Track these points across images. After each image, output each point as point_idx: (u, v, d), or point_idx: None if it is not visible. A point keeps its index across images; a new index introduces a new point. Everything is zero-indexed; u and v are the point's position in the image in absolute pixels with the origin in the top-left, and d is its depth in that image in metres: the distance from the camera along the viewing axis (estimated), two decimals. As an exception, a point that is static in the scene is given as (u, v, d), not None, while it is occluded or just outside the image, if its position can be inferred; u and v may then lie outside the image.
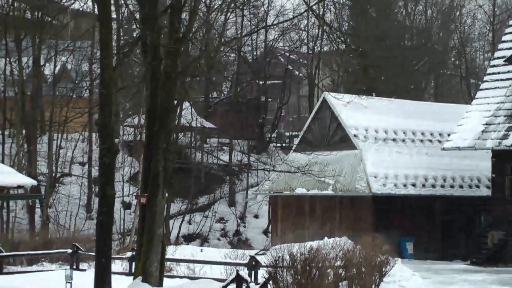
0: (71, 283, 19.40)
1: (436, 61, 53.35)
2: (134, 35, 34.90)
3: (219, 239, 41.56)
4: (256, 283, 16.72)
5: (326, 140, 33.95)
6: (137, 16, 21.07)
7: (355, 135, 32.59)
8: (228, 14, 41.15)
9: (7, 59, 38.09)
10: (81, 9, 36.39)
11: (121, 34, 39.73)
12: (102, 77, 18.51)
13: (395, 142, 33.23)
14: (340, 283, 16.81)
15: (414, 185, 31.41)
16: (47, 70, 40.71)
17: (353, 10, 48.22)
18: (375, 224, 29.70)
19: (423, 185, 31.64)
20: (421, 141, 34.09)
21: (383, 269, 17.84)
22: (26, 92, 38.14)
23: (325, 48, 48.98)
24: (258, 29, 44.00)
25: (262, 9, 46.86)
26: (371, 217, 30.96)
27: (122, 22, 38.27)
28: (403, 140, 33.62)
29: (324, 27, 30.98)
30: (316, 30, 47.57)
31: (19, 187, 13.61)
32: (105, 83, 18.12)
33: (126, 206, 39.34)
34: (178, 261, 23.10)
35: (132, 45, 23.82)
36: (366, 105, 32.84)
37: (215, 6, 23.10)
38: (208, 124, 44.54)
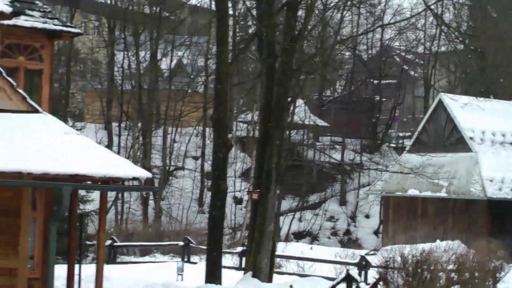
0: (182, 275, 21.01)
1: (559, 63, 51.85)
2: (250, 31, 36.12)
3: (329, 238, 42.23)
4: (366, 283, 17.05)
5: (440, 141, 34.33)
6: (254, 12, 21.88)
7: (471, 138, 32.86)
8: (344, 12, 41.69)
9: (125, 53, 40.71)
10: (198, 4, 38.15)
11: (237, 30, 41.33)
12: (218, 72, 20.09)
13: (513, 146, 34.31)
14: (452, 287, 16.95)
15: (532, 190, 31.86)
16: (164, 64, 42.79)
17: (473, 10, 47.94)
18: (489, 228, 29.69)
19: (541, 190, 32.00)
20: (541, 145, 34.52)
21: (497, 274, 18.19)
22: (142, 86, 40.67)
23: (443, 48, 49.69)
24: (375, 28, 44.53)
25: (379, 7, 47.79)
26: (486, 221, 31.05)
27: (238, 18, 39.47)
28: (522, 144, 34.38)
29: (442, 27, 31.27)
30: (434, 30, 48.55)
31: (134, 179, 14.50)
32: (220, 78, 19.54)
33: (238, 201, 40.86)
34: (288, 258, 23.89)
35: (248, 41, 24.95)
36: (484, 108, 32.92)
37: (332, 4, 23.30)
38: (321, 122, 45.91)
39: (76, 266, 14.13)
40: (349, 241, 40.99)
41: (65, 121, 19.01)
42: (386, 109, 51.42)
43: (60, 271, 13.81)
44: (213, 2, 29.60)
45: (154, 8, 41.07)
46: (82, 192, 20.98)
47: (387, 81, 50.51)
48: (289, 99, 20.33)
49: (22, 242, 13.40)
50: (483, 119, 32.90)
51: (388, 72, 50.46)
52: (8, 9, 13.74)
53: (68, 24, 18.99)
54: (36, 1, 16.99)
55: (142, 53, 40.47)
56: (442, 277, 17.08)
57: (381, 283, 17.16)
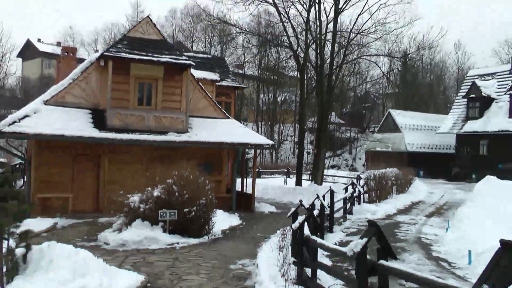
0: (286, 182, 41.27)
1: None
2: (313, 85, 45.38)
3: (344, 167, 73.37)
4: (360, 185, 31.87)
5: (389, 129, 62.37)
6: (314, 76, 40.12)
7: (401, 127, 60.63)
8: (350, 78, 74.21)
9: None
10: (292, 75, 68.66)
11: (306, 84, 49.60)
12: (301, 102, 42.13)
13: None
14: (393, 187, 34.26)
15: None
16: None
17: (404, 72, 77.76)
18: (408, 164, 50.40)
19: None
20: None
21: (411, 182, 38.01)
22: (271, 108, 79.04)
23: (390, 91, 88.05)
24: (361, 84, 78.58)
25: (364, 75, 77.10)
26: (407, 161, 54.23)
27: (308, 78, 49.07)
28: None
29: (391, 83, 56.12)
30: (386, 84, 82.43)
31: (267, 144, 33.30)
32: (302, 105, 41.14)
33: (308, 152, 65.57)
34: (327, 175, 45.25)
35: (312, 89, 44.76)
36: (405, 115, 61.11)
37: (346, 74, 46.54)
38: (341, 121, 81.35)
39: (238, 180, 29.42)
40: (352, 168, 66.71)
41: (240, 122, 40.09)
42: (368, 116, 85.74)
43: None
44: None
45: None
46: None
47: (368, 105, 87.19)
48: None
49: (223, 170, 27.06)
50: (406, 119, 58.56)
51: (367, 101, 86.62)
52: (218, 78, 31.92)
53: (242, 85, 41.09)
54: (229, 74, 38.18)
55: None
56: (389, 183, 32.51)
57: (365, 185, 31.35)
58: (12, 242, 10.09)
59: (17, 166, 32.88)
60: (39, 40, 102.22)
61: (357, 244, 7.97)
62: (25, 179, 26.00)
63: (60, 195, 23.18)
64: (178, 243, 16.74)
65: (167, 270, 13.17)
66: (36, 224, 17.66)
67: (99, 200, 24.19)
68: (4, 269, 9.92)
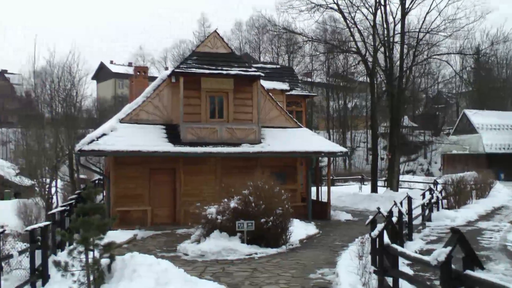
0: (361, 189, 41.50)
1: None
2: (383, 88, 44.27)
3: (420, 172, 71.36)
4: (437, 190, 30.53)
5: (464, 130, 60.04)
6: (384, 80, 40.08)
7: (477, 127, 57.39)
8: (422, 79, 72.07)
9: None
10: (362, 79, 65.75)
11: (376, 87, 45.95)
12: (372, 106, 41.44)
13: None
14: (473, 191, 32.71)
15: None
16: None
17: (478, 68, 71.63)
18: (487, 166, 48.43)
19: None
20: None
21: (491, 185, 36.16)
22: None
23: (464, 90, 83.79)
24: (432, 86, 76.18)
25: (435, 75, 73.80)
26: (486, 163, 50.93)
27: (378, 83, 46.56)
28: None
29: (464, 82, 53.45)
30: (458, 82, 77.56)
31: (340, 151, 33.65)
32: (373, 108, 40.20)
33: (381, 158, 64.00)
34: (403, 181, 44.30)
35: (383, 92, 44.01)
36: (482, 114, 58.53)
37: (417, 76, 45.44)
38: (414, 125, 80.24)
39: (313, 189, 30.14)
40: (428, 173, 65.04)
41: (311, 130, 40.56)
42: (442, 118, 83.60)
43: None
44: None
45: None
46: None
47: (441, 106, 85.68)
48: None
49: (297, 177, 27.39)
50: (483, 118, 55.97)
51: (440, 102, 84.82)
52: (287, 87, 31.51)
53: (312, 93, 41.21)
54: (299, 82, 38.13)
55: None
56: (467, 187, 31.39)
57: (443, 190, 30.25)
58: (96, 253, 10.49)
59: (96, 181, 34.00)
60: (111, 62, 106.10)
61: (441, 252, 7.70)
62: (104, 194, 26.81)
63: (138, 208, 23.80)
64: (256, 253, 16.77)
65: (246, 280, 13.21)
66: (117, 236, 18.11)
67: (176, 212, 24.66)
68: (91, 278, 10.37)
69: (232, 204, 17.77)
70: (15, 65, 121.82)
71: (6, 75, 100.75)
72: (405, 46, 38.42)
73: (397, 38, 38.26)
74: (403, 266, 13.16)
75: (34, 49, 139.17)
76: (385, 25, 37.54)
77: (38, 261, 12.43)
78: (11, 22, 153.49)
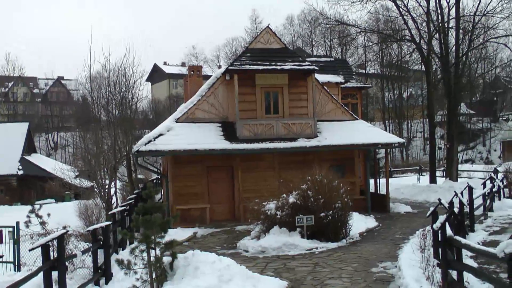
0: (419, 180, 40.80)
1: None
2: (439, 76, 43.85)
3: (479, 161, 68.23)
4: (498, 179, 30.90)
5: None
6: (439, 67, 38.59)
7: None
8: (479, 64, 68.63)
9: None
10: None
11: (432, 75, 44.79)
12: (428, 95, 39.10)
13: None
14: None
15: None
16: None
17: None
18: None
19: None
20: None
21: None
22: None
23: None
24: (489, 70, 71.69)
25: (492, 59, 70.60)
26: None
27: (433, 70, 46.15)
28: None
29: None
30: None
31: (397, 142, 32.24)
32: (430, 96, 38.88)
33: (439, 147, 62.55)
34: (462, 170, 43.42)
35: (439, 80, 42.90)
36: None
37: (473, 60, 43.86)
38: (472, 111, 76.27)
39: (371, 181, 28.35)
40: (488, 161, 62.64)
41: (367, 121, 40.07)
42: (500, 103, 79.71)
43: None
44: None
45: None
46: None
47: (499, 91, 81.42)
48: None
49: (355, 170, 26.79)
50: None
51: (497, 87, 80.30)
52: (342, 80, 31.44)
53: (367, 85, 40.69)
54: (353, 74, 37.79)
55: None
56: None
57: (504, 179, 30.20)
58: (158, 251, 10.71)
59: (154, 181, 34.61)
60: (165, 63, 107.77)
61: (508, 244, 7.51)
62: (162, 193, 27.28)
63: (197, 206, 24.11)
64: (316, 248, 16.78)
65: (308, 275, 13.23)
66: (177, 234, 18.45)
67: (235, 209, 24.88)
68: (154, 276, 10.58)
69: (291, 199, 17.82)
70: (72, 72, 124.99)
71: (63, 81, 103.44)
72: (461, 31, 37.50)
73: (452, 23, 37.39)
74: (466, 258, 12.89)
75: (89, 55, 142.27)
76: (439, 11, 36.71)
77: (100, 260, 12.77)
78: (67, 33, 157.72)
